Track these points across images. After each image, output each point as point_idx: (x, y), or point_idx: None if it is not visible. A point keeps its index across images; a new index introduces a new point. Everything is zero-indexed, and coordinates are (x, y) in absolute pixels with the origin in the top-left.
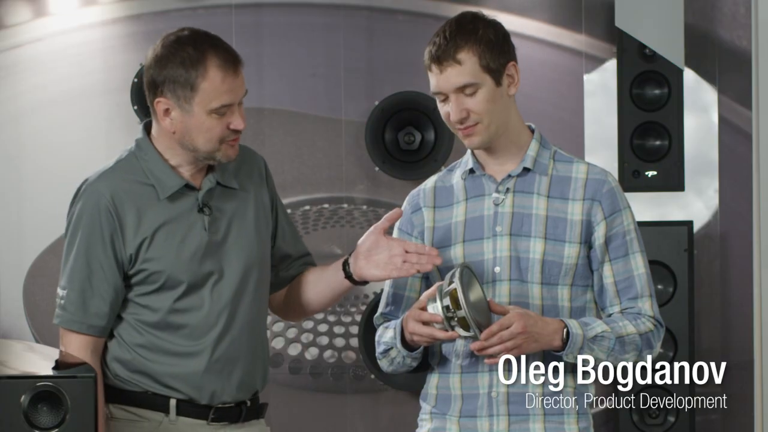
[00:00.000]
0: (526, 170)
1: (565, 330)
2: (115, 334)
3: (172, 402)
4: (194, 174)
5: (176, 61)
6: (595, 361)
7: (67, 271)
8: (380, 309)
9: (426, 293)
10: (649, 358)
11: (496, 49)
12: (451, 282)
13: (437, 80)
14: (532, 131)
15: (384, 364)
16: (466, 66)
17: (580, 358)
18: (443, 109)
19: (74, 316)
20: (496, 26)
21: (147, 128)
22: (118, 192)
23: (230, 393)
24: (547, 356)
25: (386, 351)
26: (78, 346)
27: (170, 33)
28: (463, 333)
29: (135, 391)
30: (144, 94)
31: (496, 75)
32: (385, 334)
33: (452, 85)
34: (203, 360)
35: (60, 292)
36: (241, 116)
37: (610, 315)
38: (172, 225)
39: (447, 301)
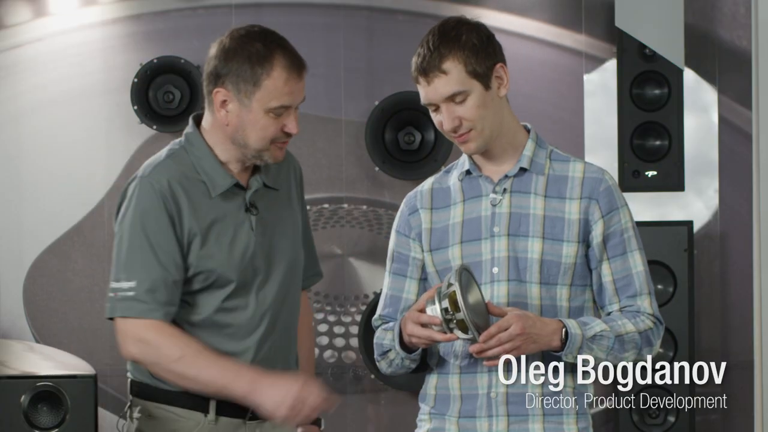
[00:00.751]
0: (522, 170)
1: (563, 330)
2: None
3: (212, 403)
4: (241, 172)
5: (243, 54)
6: (595, 360)
7: (133, 263)
8: (378, 311)
9: (424, 295)
10: (649, 356)
11: (481, 53)
12: (449, 284)
13: (426, 92)
14: (528, 131)
15: (383, 365)
16: (453, 75)
17: (579, 357)
18: (436, 118)
19: (151, 305)
20: (480, 29)
21: (196, 121)
22: (174, 183)
23: None
24: (546, 356)
25: (385, 353)
26: (158, 327)
27: (239, 27)
28: (461, 335)
29: (175, 391)
30: (144, 94)
31: (483, 79)
32: (384, 336)
33: (441, 95)
34: (246, 361)
35: (123, 284)
36: (295, 121)
37: (609, 314)
38: (223, 224)
39: (446, 303)
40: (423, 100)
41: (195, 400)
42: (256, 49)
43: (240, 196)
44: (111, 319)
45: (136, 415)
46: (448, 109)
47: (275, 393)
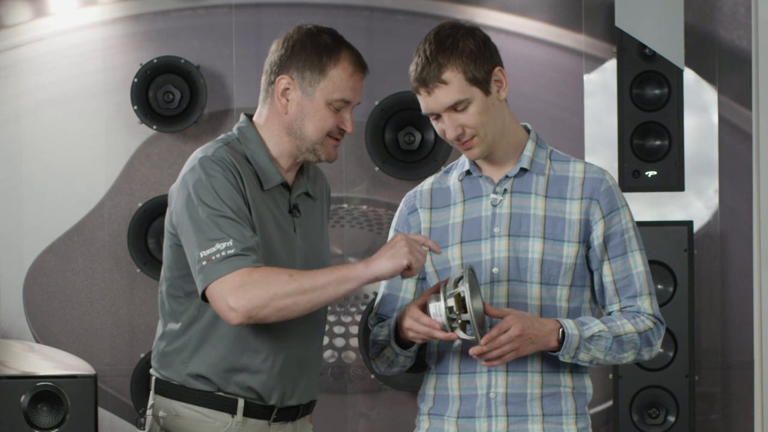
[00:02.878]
0: (523, 170)
1: (560, 330)
2: (192, 329)
3: (241, 402)
4: (288, 172)
5: (313, 44)
6: (593, 360)
7: (218, 227)
8: (375, 309)
9: (427, 291)
10: (649, 356)
11: (480, 58)
12: (456, 284)
13: (427, 102)
14: (528, 131)
15: (378, 363)
16: (453, 84)
17: (576, 357)
18: (437, 126)
19: (252, 256)
20: (475, 34)
21: (249, 117)
22: (235, 163)
23: (297, 397)
24: (545, 357)
25: (380, 350)
26: (253, 268)
27: (306, 24)
28: (463, 336)
29: (205, 391)
30: (144, 94)
31: (483, 85)
32: (380, 333)
33: (442, 105)
34: (279, 361)
35: (219, 246)
36: (351, 120)
37: (609, 314)
38: (270, 220)
39: (451, 302)
40: (424, 110)
41: (223, 401)
42: (324, 41)
43: (285, 196)
44: (202, 295)
45: (161, 414)
46: (450, 117)
47: (388, 254)
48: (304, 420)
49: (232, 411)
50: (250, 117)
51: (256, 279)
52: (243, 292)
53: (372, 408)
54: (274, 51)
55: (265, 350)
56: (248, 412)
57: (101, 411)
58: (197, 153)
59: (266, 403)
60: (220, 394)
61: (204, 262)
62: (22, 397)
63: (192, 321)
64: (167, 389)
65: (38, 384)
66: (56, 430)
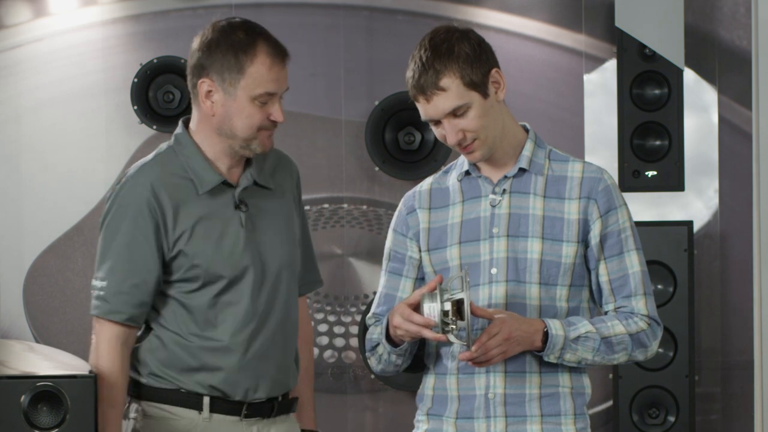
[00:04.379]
0: (522, 171)
1: (545, 330)
2: (153, 330)
3: (206, 399)
4: (231, 169)
5: (227, 44)
6: (581, 361)
7: (107, 264)
8: (373, 309)
9: (420, 290)
10: (643, 357)
11: (476, 62)
12: (456, 289)
13: (426, 109)
14: (527, 131)
15: (373, 362)
16: (451, 90)
17: (562, 358)
18: (438, 132)
19: (114, 306)
20: (470, 37)
21: (185, 123)
22: (157, 185)
23: (264, 390)
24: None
25: (374, 348)
26: (111, 336)
27: (220, 20)
28: (453, 340)
29: (168, 389)
30: (144, 94)
31: (481, 88)
32: (374, 332)
33: (442, 111)
34: (238, 355)
35: (98, 283)
36: (281, 109)
37: (606, 313)
38: (211, 220)
39: (447, 306)
40: (423, 116)
41: (188, 398)
42: (239, 38)
43: (229, 194)
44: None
45: (132, 415)
46: (450, 123)
47: None
48: (290, 418)
49: (198, 408)
50: (188, 121)
51: (101, 351)
52: (95, 342)
53: (372, 408)
54: (192, 52)
55: (221, 349)
56: (215, 408)
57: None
58: (131, 168)
59: (232, 399)
60: (184, 390)
61: (94, 291)
62: (22, 397)
63: (148, 324)
64: (137, 390)
65: (38, 384)
66: (56, 430)
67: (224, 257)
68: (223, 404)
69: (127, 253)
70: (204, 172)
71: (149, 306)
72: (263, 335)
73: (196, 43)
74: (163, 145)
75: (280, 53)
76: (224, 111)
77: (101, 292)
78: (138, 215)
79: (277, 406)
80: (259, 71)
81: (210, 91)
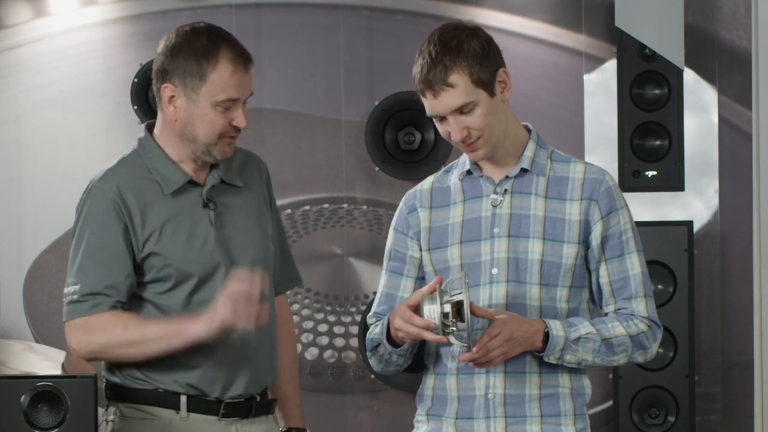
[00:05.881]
0: (523, 171)
1: (546, 331)
2: None
3: (183, 398)
4: (197, 171)
5: (189, 50)
6: (581, 362)
7: (77, 268)
8: (373, 308)
9: (420, 291)
10: (643, 359)
11: (485, 60)
12: (456, 290)
13: (432, 105)
14: (529, 131)
15: (374, 362)
16: (459, 87)
17: (562, 359)
18: (442, 128)
19: (90, 302)
20: (479, 34)
21: (149, 128)
22: (123, 187)
23: (240, 386)
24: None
25: (375, 348)
26: (98, 315)
27: (185, 24)
28: (453, 341)
29: (145, 389)
30: (144, 94)
31: (488, 87)
32: (374, 332)
33: (449, 108)
34: (214, 352)
35: (71, 288)
36: (244, 115)
37: (606, 314)
38: (179, 220)
39: (448, 308)
40: (429, 112)
41: (166, 397)
42: (201, 43)
43: (196, 193)
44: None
45: (110, 417)
46: (456, 120)
47: (207, 316)
48: (269, 419)
49: (176, 407)
50: (151, 126)
51: (93, 326)
52: (82, 336)
53: (372, 408)
54: (157, 56)
55: (197, 347)
56: (192, 408)
57: (101, 411)
58: (95, 176)
59: (209, 397)
60: (162, 390)
61: (67, 297)
62: (22, 397)
63: None
64: (114, 392)
65: (38, 384)
66: (56, 430)
67: (195, 255)
68: (200, 403)
69: (98, 257)
70: (169, 173)
71: (125, 300)
72: (239, 332)
73: (160, 47)
74: (127, 150)
75: (242, 59)
76: (186, 116)
77: (74, 296)
78: (106, 218)
79: (256, 406)
80: (221, 77)
81: (173, 96)
